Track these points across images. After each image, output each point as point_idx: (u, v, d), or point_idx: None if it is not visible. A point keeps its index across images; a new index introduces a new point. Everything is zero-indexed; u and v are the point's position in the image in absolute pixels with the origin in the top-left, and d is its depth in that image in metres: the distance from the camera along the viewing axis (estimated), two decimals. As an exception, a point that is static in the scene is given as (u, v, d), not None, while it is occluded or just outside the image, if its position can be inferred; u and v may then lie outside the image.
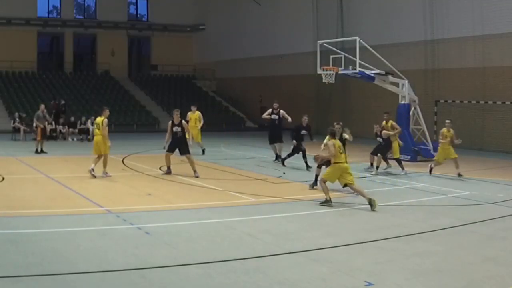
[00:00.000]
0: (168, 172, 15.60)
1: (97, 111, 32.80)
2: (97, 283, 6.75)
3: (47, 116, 23.62)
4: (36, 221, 9.73)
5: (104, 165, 14.87)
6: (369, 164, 17.27)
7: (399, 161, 17.01)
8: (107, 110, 15.50)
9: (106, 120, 15.03)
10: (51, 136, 25.90)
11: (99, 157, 14.99)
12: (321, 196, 12.85)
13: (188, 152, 15.80)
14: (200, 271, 7.24)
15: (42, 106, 22.68)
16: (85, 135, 27.45)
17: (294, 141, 17.37)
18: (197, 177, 15.07)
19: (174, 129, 15.92)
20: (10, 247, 8.01)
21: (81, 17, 44.13)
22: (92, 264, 7.34)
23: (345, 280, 6.99)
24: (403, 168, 16.68)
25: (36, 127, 21.57)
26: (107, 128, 14.99)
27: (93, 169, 14.63)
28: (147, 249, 8.18)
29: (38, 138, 21.09)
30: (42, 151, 20.62)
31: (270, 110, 19.13)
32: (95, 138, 15.32)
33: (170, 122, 16.43)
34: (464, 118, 25.42)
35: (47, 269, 7.10)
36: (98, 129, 15.10)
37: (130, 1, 45.72)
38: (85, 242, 8.38)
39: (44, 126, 21.97)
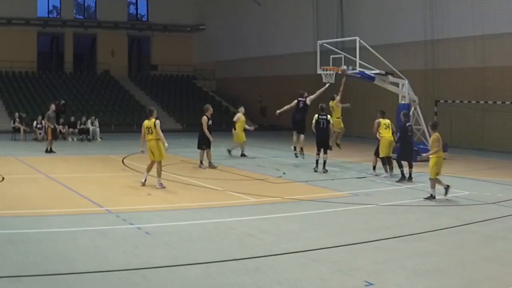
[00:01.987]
0: (213, 166, 17.14)
1: (97, 111, 33.11)
2: (97, 283, 6.75)
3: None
4: (36, 221, 9.73)
5: (158, 174, 13.44)
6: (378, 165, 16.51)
7: (383, 160, 15.98)
8: (155, 111, 14.02)
9: (158, 121, 13.56)
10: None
11: (152, 163, 13.73)
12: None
13: (210, 147, 17.47)
14: (200, 271, 7.24)
15: (53, 106, 22.59)
16: (85, 135, 27.47)
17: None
18: (215, 167, 17.07)
19: (210, 122, 17.23)
20: (10, 247, 8.01)
21: (81, 17, 44.14)
22: (92, 264, 7.34)
23: (345, 280, 6.99)
24: (386, 170, 15.82)
25: (47, 127, 21.58)
26: (160, 129, 13.42)
27: (161, 184, 13.40)
28: (147, 249, 8.18)
29: (49, 137, 21.11)
30: (51, 151, 20.68)
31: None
32: (148, 144, 13.61)
33: (206, 118, 17.21)
34: (464, 118, 25.44)
35: (47, 269, 7.10)
36: (150, 133, 13.51)
37: (130, 1, 45.72)
38: (85, 242, 8.37)
39: (55, 126, 21.96)
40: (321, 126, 16.74)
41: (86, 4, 44.77)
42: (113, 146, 23.99)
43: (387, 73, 20.50)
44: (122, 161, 18.44)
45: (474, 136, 24.94)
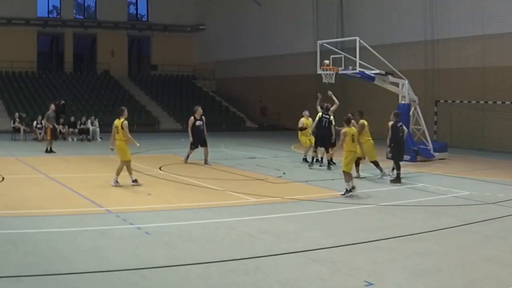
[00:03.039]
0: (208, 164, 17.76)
1: (97, 111, 33.10)
2: (97, 283, 6.75)
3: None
4: (36, 221, 9.73)
5: (117, 171, 13.53)
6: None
7: (375, 164, 15.71)
8: (126, 111, 14.00)
9: (126, 122, 13.67)
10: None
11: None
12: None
13: (207, 145, 18.02)
14: (200, 271, 7.24)
15: (53, 106, 22.63)
16: (85, 135, 27.48)
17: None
18: (209, 165, 17.52)
19: (197, 123, 17.81)
20: (10, 247, 8.01)
21: (81, 17, 44.14)
22: (92, 264, 7.34)
23: (345, 280, 6.99)
24: (380, 170, 15.53)
25: (46, 127, 21.61)
26: (127, 130, 13.60)
27: (116, 181, 13.44)
28: (147, 249, 8.18)
29: (48, 137, 21.14)
30: (51, 151, 20.68)
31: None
32: (116, 143, 13.82)
33: (192, 118, 17.98)
34: (464, 118, 25.44)
35: (47, 269, 7.10)
36: (118, 133, 13.72)
37: (130, 1, 45.72)
38: (85, 242, 8.38)
39: (54, 126, 21.98)
40: (323, 124, 17.34)
41: (86, 4, 44.77)
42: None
43: (387, 73, 20.49)
44: (122, 161, 18.42)
45: (474, 136, 24.93)
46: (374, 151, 15.65)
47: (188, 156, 18.19)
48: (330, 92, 18.53)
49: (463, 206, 12.10)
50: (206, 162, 17.89)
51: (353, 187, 12.71)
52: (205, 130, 18.12)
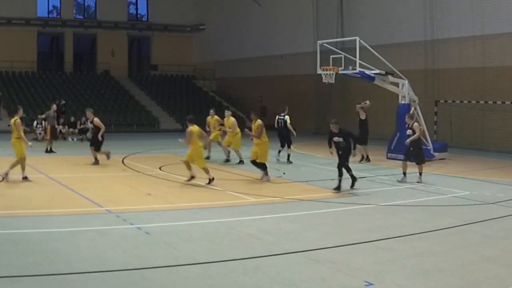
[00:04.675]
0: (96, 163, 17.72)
1: (97, 111, 33.01)
2: (97, 283, 6.75)
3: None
4: (36, 221, 9.73)
5: (11, 166, 13.90)
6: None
7: (264, 166, 15.21)
8: (21, 110, 14.73)
9: (18, 120, 14.06)
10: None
11: (17, 161, 14.04)
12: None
13: (94, 145, 18.03)
14: (200, 271, 7.25)
15: (54, 106, 22.68)
16: (85, 135, 27.45)
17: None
18: (97, 164, 17.41)
19: (90, 125, 18.93)
20: (10, 247, 8.01)
21: (81, 17, 44.13)
22: (92, 264, 7.35)
23: (345, 280, 6.99)
24: (267, 174, 15.14)
25: (46, 126, 21.66)
26: (20, 128, 13.98)
27: (6, 174, 13.77)
28: (147, 249, 8.18)
29: (47, 137, 21.18)
30: (51, 151, 20.69)
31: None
32: (12, 141, 14.29)
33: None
34: (464, 118, 25.43)
35: (47, 269, 7.10)
36: (13, 131, 14.16)
37: (130, 1, 45.70)
38: (85, 242, 8.38)
39: (54, 126, 22.02)
40: (279, 125, 19.05)
41: (86, 4, 44.76)
42: (113, 146, 23.96)
43: (387, 73, 20.48)
44: (122, 161, 18.45)
45: (474, 136, 24.93)
46: (267, 153, 15.36)
47: (106, 154, 18.01)
48: (363, 103, 19.81)
49: (463, 206, 12.11)
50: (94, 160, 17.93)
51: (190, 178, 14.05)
52: (92, 132, 18.77)
